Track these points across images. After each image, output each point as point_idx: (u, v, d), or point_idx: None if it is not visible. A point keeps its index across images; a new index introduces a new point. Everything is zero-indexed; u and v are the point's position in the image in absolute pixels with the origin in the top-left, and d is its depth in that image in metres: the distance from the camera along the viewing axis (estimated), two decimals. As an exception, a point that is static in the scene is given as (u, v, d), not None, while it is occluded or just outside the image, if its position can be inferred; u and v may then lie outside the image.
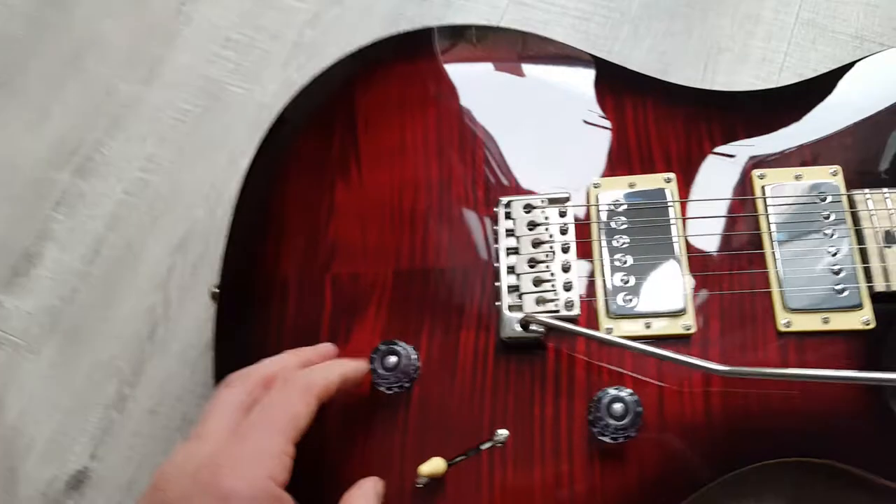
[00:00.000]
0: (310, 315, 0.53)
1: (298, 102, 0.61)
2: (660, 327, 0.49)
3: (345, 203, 0.56)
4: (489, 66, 0.60)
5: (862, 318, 0.48)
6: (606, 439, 0.46)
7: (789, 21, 0.66)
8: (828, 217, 0.50)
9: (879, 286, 0.48)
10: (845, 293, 0.48)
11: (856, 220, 0.50)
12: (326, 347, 0.50)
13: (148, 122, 0.71)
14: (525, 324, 0.49)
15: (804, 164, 0.53)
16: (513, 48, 0.60)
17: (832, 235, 0.50)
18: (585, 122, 0.56)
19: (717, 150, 0.54)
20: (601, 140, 0.56)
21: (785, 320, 0.48)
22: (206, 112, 0.71)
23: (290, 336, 0.53)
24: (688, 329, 0.49)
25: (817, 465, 0.47)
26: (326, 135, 0.59)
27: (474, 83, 0.59)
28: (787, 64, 0.64)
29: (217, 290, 0.55)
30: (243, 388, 0.43)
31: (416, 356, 0.50)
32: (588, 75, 0.58)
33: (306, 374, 0.44)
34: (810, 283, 0.49)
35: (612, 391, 0.47)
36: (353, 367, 0.47)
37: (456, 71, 0.60)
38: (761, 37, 0.65)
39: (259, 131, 0.59)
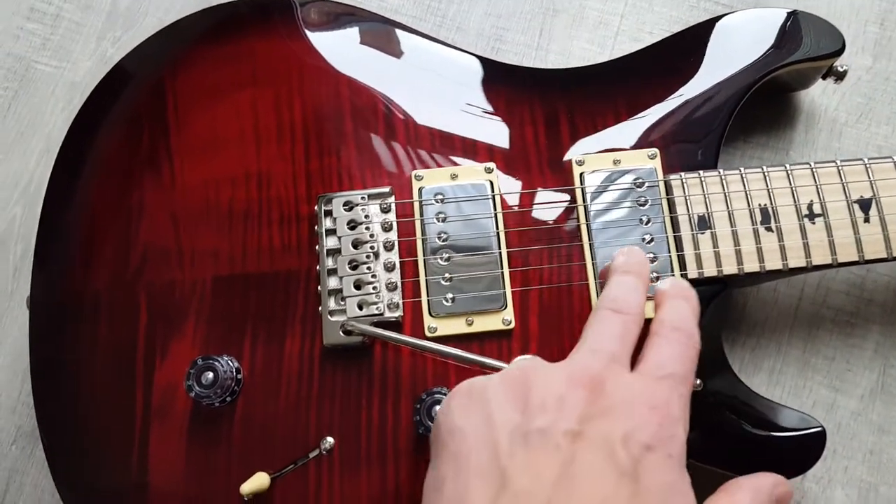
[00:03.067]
0: (124, 329, 0.50)
1: (105, 86, 0.56)
2: (481, 324, 0.49)
3: (156, 203, 0.52)
4: (310, 45, 0.55)
5: (674, 305, 0.48)
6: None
7: (627, -22, 0.65)
8: (644, 204, 0.50)
9: (693, 273, 0.48)
10: (658, 280, 0.48)
11: (671, 206, 0.50)
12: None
13: (-52, 110, 0.64)
14: (347, 330, 0.48)
15: (622, 148, 0.52)
16: (339, 26, 0.56)
17: (648, 223, 0.49)
18: (409, 109, 0.54)
19: (539, 135, 0.53)
20: (428, 128, 0.53)
21: (602, 311, 0.48)
22: (15, 96, 0.64)
23: (105, 353, 0.50)
24: (508, 324, 0.49)
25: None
26: (134, 126, 0.54)
27: (295, 66, 0.55)
28: (623, 27, 0.63)
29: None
30: None
31: (237, 369, 0.49)
32: (418, 58, 0.55)
33: None
34: (626, 273, 0.49)
35: (435, 392, 0.47)
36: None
37: (278, 50, 0.55)
38: (598, -3, 0.63)
39: (73, 115, 0.55)
